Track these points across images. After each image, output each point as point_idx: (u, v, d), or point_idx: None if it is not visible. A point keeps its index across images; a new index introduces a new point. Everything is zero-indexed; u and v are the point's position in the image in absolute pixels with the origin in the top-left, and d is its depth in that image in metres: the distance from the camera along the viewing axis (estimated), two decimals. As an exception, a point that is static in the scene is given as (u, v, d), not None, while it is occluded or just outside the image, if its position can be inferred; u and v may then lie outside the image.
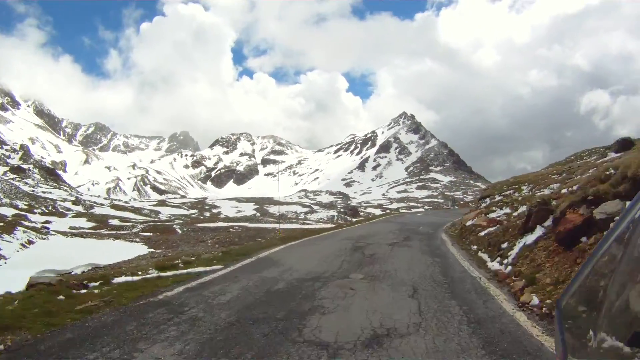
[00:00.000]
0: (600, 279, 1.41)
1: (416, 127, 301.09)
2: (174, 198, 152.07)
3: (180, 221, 58.58)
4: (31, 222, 43.04)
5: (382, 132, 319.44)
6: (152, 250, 30.85)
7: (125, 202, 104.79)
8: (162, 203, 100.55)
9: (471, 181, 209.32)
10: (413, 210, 77.91)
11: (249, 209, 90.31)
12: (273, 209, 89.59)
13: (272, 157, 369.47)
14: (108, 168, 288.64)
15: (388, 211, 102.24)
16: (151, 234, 41.56)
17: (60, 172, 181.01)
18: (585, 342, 1.40)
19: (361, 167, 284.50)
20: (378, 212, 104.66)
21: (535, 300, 5.51)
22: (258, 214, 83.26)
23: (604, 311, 1.31)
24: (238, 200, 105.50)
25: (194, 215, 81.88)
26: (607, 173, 7.66)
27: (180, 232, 42.23)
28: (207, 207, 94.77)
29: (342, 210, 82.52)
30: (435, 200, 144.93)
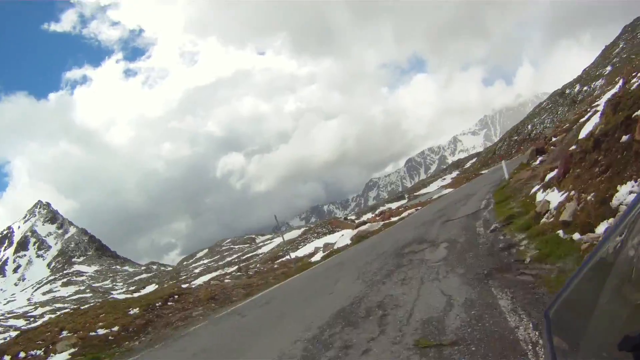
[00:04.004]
0: (590, 286, 1.41)
1: (53, 216, 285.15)
2: None
3: None
4: None
5: (19, 227, 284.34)
6: None
7: None
8: None
9: (118, 266, 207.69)
10: None
11: None
12: None
13: None
14: None
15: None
16: None
17: None
18: (575, 350, 1.40)
19: (1, 271, 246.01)
20: (21, 322, 79.05)
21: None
22: None
23: (593, 318, 1.31)
24: None
25: None
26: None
27: None
28: None
29: None
30: (83, 295, 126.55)
